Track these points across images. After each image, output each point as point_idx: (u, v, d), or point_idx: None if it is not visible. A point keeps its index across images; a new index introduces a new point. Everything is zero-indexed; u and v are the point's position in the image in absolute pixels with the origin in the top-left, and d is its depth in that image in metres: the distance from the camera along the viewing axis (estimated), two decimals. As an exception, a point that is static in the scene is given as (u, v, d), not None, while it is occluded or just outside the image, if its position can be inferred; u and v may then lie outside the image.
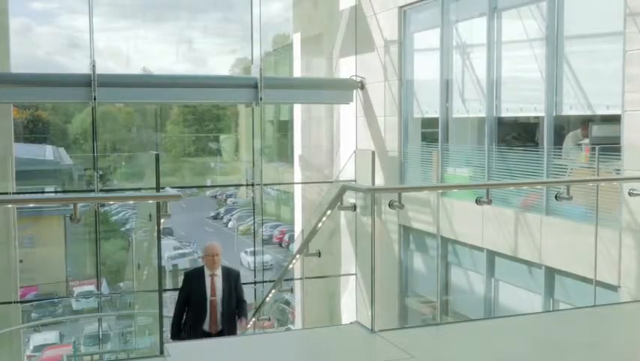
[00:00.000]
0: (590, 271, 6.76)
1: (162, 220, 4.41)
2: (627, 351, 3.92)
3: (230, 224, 29.46)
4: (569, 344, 3.90)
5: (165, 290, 17.37)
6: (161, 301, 4.53)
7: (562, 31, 8.06)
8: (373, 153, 10.41)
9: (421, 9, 10.74)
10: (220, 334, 7.04)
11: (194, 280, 7.13)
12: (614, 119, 7.33)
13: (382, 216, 11.02)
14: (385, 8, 11.36)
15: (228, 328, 7.07)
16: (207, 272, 7.10)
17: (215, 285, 7.06)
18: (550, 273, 8.12)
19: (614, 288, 7.01)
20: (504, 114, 9.22)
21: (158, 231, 4.53)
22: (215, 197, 32.13)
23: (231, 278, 7.19)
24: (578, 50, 7.98)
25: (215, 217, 31.24)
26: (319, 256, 7.34)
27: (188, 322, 7.06)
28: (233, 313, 7.15)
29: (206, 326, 6.97)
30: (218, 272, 7.11)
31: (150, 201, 4.70)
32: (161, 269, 4.81)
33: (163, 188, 4.60)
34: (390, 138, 11.32)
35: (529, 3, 8.69)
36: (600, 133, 7.69)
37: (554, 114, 8.17)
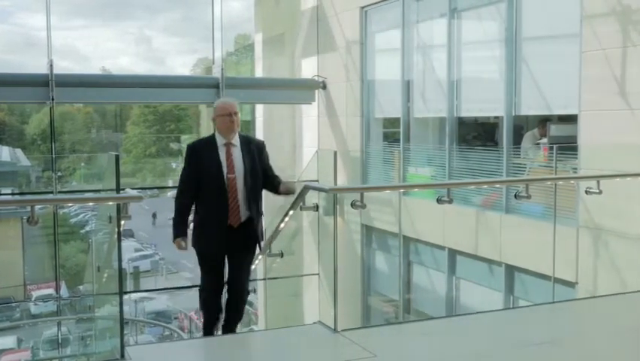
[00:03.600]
0: (549, 268, 6.88)
1: (123, 222, 4.35)
2: (585, 347, 3.99)
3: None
4: (529, 341, 3.96)
5: (126, 292, 17.18)
6: (121, 304, 4.48)
7: (520, 33, 8.18)
8: (335, 152, 10.43)
9: (382, 9, 10.80)
10: (244, 228, 5.12)
11: (203, 153, 5.07)
12: (571, 119, 7.47)
13: (345, 216, 11.05)
14: (347, 8, 11.39)
15: (254, 217, 5.17)
16: (220, 141, 5.10)
17: (233, 157, 5.07)
18: (510, 271, 8.24)
19: (571, 285, 7.15)
20: (464, 114, 9.32)
21: (119, 233, 4.48)
22: (177, 198, 31.91)
23: (253, 148, 5.20)
24: (536, 51, 8.10)
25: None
26: (282, 256, 7.31)
27: (199, 216, 5.16)
28: (259, 197, 5.24)
29: (230, 219, 5.02)
30: (236, 140, 5.14)
31: (110, 203, 4.64)
32: (121, 271, 4.75)
33: (123, 189, 4.56)
34: (352, 138, 11.36)
35: (488, 4, 8.79)
36: (558, 133, 7.83)
37: (513, 114, 8.29)
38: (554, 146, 7.31)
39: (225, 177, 5.00)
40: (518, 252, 7.96)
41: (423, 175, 9.93)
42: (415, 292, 10.39)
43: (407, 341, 4.26)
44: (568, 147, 7.24)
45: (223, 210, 5.00)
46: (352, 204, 4.85)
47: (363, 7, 10.99)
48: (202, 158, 5.05)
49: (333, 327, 4.42)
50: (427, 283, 10.15)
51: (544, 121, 8.21)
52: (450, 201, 5.40)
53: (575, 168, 7.27)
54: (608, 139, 6.77)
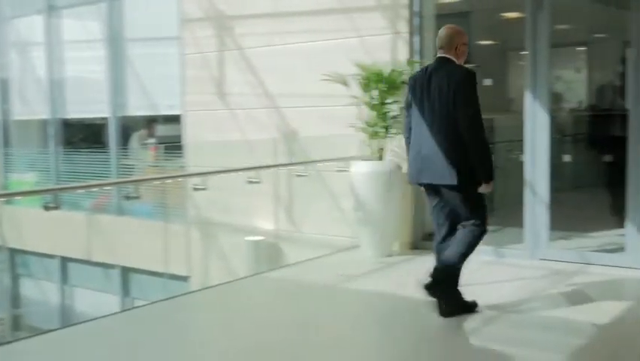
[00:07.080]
0: (162, 265, 7.04)
1: None
2: (203, 337, 4.17)
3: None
4: (146, 340, 3.98)
5: None
6: None
7: (123, 34, 8.21)
8: None
9: (-31, 1, 9.85)
10: None
11: None
12: (176, 119, 7.75)
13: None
14: None
15: None
16: None
17: None
18: (126, 272, 8.24)
19: (185, 279, 7.43)
20: (70, 116, 9.06)
21: None
22: None
23: None
24: (140, 53, 8.21)
25: None
26: None
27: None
28: None
29: None
30: None
31: None
32: None
33: None
34: (-60, 144, 10.14)
35: (88, 3, 8.66)
36: (164, 132, 8.07)
37: (120, 115, 8.31)
38: (161, 146, 7.51)
39: None
40: (132, 253, 7.99)
41: (27, 181, 9.41)
42: (25, 306, 9.76)
43: (17, 361, 3.93)
44: (174, 146, 7.49)
45: None
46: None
47: (-54, -2, 9.88)
48: None
49: None
50: (38, 296, 9.62)
51: (151, 121, 8.38)
52: (57, 207, 5.16)
53: (183, 166, 7.55)
54: (211, 137, 7.18)
